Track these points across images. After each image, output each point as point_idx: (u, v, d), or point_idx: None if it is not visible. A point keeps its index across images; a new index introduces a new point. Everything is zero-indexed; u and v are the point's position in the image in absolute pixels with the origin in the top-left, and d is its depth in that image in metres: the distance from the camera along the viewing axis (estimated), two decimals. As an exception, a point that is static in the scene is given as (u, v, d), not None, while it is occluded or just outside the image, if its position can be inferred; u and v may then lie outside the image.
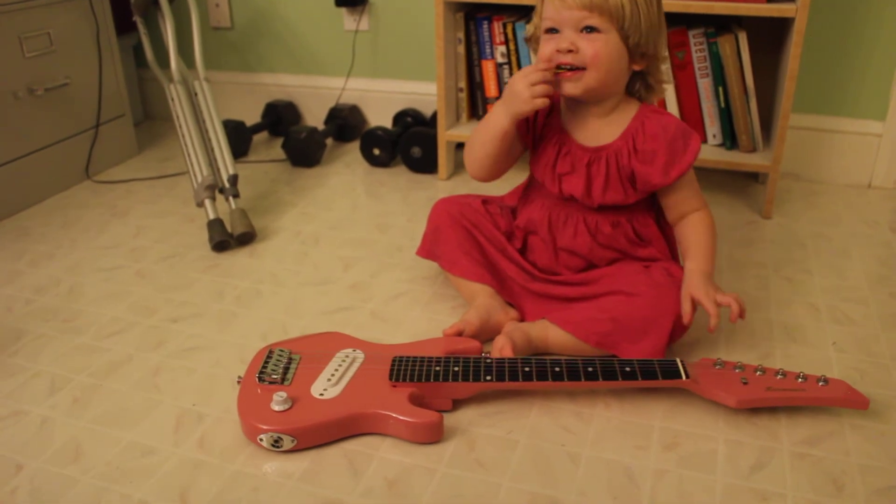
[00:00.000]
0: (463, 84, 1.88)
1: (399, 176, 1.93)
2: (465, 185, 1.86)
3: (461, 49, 1.84)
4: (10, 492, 0.94)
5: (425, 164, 1.92)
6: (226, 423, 1.05)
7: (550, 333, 1.16)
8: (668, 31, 1.64)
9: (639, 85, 1.20)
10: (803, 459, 0.97)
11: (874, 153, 1.81)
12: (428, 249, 1.36)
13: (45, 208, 1.78)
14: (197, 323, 1.30)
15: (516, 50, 1.80)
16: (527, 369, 1.06)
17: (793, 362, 1.17)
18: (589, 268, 1.24)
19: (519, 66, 1.81)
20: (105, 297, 1.38)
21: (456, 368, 1.06)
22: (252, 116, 2.25)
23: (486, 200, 1.35)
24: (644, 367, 1.06)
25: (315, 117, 2.24)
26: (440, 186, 1.87)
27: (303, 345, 1.14)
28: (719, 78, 1.66)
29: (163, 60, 1.84)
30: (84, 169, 1.94)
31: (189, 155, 1.66)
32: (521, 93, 1.12)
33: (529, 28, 1.22)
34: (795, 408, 1.06)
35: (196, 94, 1.75)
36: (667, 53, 1.64)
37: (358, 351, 1.12)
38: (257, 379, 1.06)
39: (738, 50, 1.63)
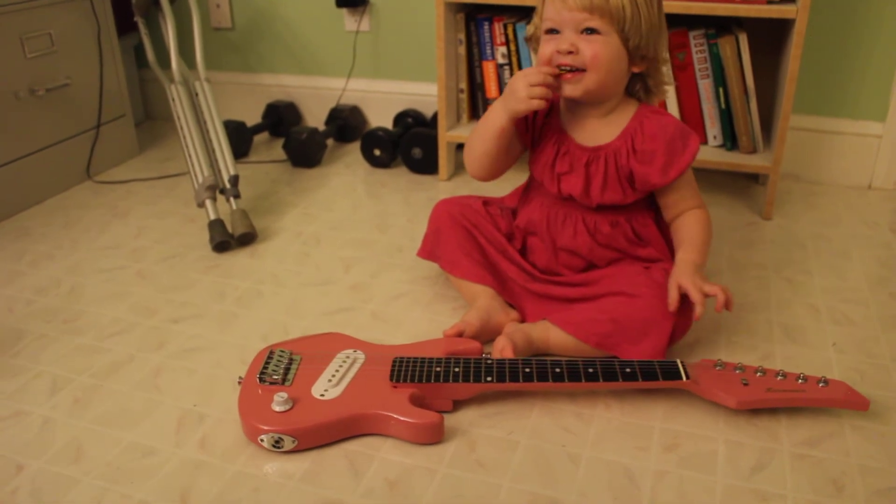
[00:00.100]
0: (464, 85, 1.89)
1: (400, 177, 1.94)
2: (466, 186, 1.86)
3: (462, 50, 1.85)
4: (11, 492, 0.94)
5: (426, 165, 1.93)
6: (227, 424, 1.05)
7: (551, 334, 1.16)
8: (669, 32, 1.64)
9: (638, 87, 1.21)
10: (803, 460, 0.98)
11: (874, 154, 1.81)
12: (429, 251, 1.36)
13: (45, 209, 1.78)
14: (198, 323, 1.30)
15: (517, 51, 1.80)
16: (527, 370, 1.06)
17: (793, 363, 1.17)
18: (589, 268, 1.24)
19: (520, 67, 1.81)
20: (106, 297, 1.38)
21: (457, 369, 1.06)
22: (253, 117, 2.25)
23: (486, 202, 1.35)
24: (644, 367, 1.06)
25: (316, 118, 2.25)
26: (441, 187, 1.87)
27: (303, 345, 1.14)
28: (720, 79, 1.67)
29: (164, 61, 1.84)
30: (85, 169, 1.94)
31: (190, 155, 1.66)
32: (518, 92, 1.13)
33: (530, 28, 1.22)
34: (796, 409, 1.06)
35: (197, 95, 1.75)
36: (667, 56, 1.64)
37: (359, 352, 1.12)
38: (258, 379, 1.06)
39: (739, 51, 1.64)
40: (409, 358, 1.08)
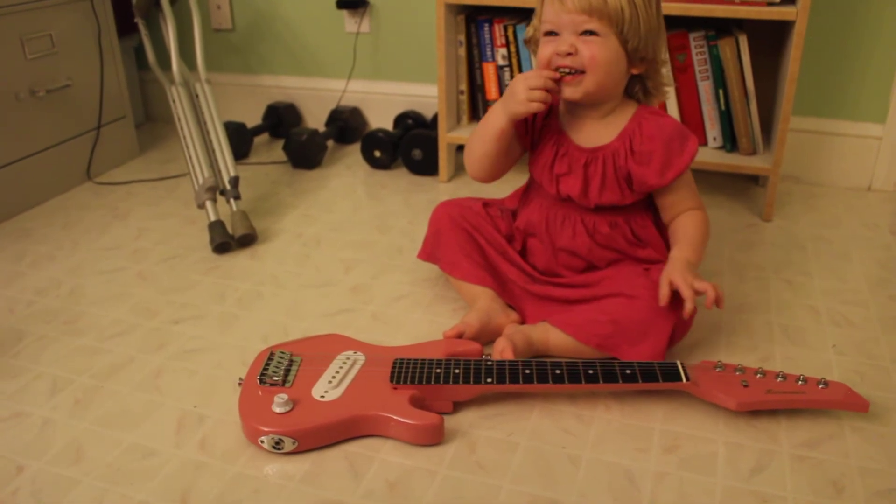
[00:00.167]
0: (464, 86, 1.89)
1: (400, 178, 1.94)
2: (466, 188, 1.86)
3: (462, 51, 1.85)
4: (12, 493, 0.94)
5: (426, 167, 1.93)
6: (227, 425, 1.05)
7: (551, 336, 1.16)
8: (669, 33, 1.64)
9: (638, 88, 1.21)
10: (803, 462, 0.98)
11: (874, 156, 1.81)
12: (429, 253, 1.36)
13: (46, 210, 1.78)
14: (198, 325, 1.30)
15: (517, 52, 1.80)
16: (527, 372, 1.06)
17: (793, 365, 1.17)
18: (589, 269, 1.24)
19: (520, 69, 1.82)
20: (106, 298, 1.39)
21: (457, 371, 1.06)
22: (253, 118, 2.26)
23: (486, 203, 1.35)
24: (644, 369, 1.06)
25: (316, 119, 2.25)
26: (441, 189, 1.87)
27: (304, 347, 1.14)
28: (720, 80, 1.67)
29: (164, 62, 1.84)
30: (85, 170, 1.94)
31: (190, 157, 1.66)
32: (518, 94, 1.13)
33: (529, 30, 1.22)
34: (795, 410, 1.06)
35: (197, 96, 1.75)
36: (667, 57, 1.64)
37: (359, 353, 1.12)
38: (258, 381, 1.06)
39: (739, 53, 1.64)
40: (410, 359, 1.09)
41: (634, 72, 1.17)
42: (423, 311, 1.33)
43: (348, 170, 2.00)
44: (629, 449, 1.00)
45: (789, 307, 1.33)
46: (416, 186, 1.88)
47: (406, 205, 1.78)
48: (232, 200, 1.63)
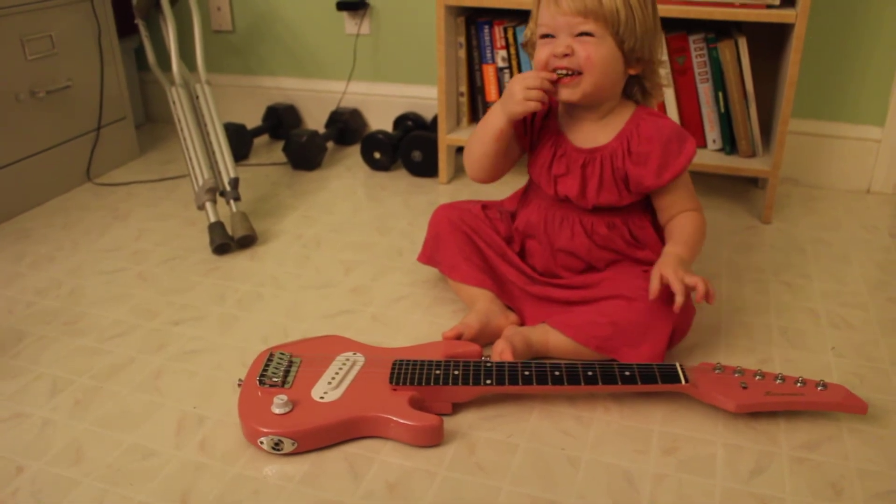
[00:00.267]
0: (464, 88, 1.89)
1: (400, 180, 1.94)
2: (466, 189, 1.86)
3: (462, 53, 1.85)
4: (12, 493, 0.94)
5: (426, 168, 1.93)
6: (227, 426, 1.05)
7: (550, 337, 1.16)
8: (669, 36, 1.65)
9: (636, 89, 1.21)
10: (802, 464, 0.98)
11: (873, 158, 1.81)
12: (428, 256, 1.36)
13: (46, 210, 1.78)
14: (198, 326, 1.30)
15: (517, 54, 1.80)
16: (527, 373, 1.06)
17: (792, 367, 1.17)
18: (588, 270, 1.25)
19: (520, 71, 1.82)
20: (106, 299, 1.39)
21: (456, 372, 1.06)
22: (253, 119, 2.26)
23: (485, 206, 1.35)
24: (643, 371, 1.06)
25: (316, 121, 2.25)
26: (441, 190, 1.87)
27: (303, 348, 1.14)
28: (719, 83, 1.67)
29: (164, 63, 1.85)
30: (85, 171, 1.94)
31: (190, 158, 1.67)
32: (515, 94, 1.14)
33: (526, 33, 1.23)
34: (794, 412, 1.06)
35: (197, 97, 1.75)
36: (665, 58, 1.65)
37: (358, 354, 1.12)
38: (258, 382, 1.06)
39: (738, 55, 1.64)
40: (409, 361, 1.09)
41: (631, 72, 1.17)
42: (423, 313, 1.33)
43: (348, 171, 2.00)
44: (628, 450, 1.00)
45: (788, 309, 1.33)
46: (415, 188, 1.88)
47: (406, 206, 1.78)
48: (232, 202, 1.63)
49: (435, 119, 2.05)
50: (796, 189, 1.86)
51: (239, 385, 1.08)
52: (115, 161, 2.04)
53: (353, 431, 1.02)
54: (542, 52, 1.15)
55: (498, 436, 1.03)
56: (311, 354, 1.12)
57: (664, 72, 1.64)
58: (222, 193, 1.65)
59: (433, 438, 1.01)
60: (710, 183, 1.87)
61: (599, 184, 1.19)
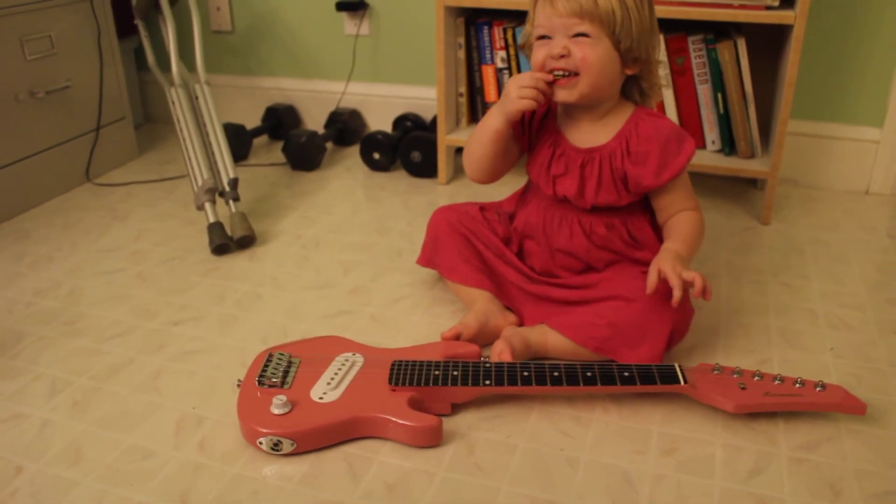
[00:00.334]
0: (463, 89, 1.89)
1: (399, 180, 1.94)
2: (465, 189, 1.87)
3: (461, 54, 1.85)
4: (11, 494, 0.94)
5: (425, 169, 1.93)
6: (226, 427, 1.05)
7: (549, 338, 1.16)
8: (668, 37, 1.65)
9: (634, 89, 1.21)
10: (801, 464, 0.98)
11: (872, 159, 1.81)
12: (428, 258, 1.36)
13: (45, 211, 1.78)
14: (197, 326, 1.30)
15: (516, 55, 1.80)
16: (525, 374, 1.06)
17: (790, 368, 1.17)
18: (587, 270, 1.25)
19: (519, 71, 1.82)
20: (106, 300, 1.39)
21: (455, 373, 1.06)
22: (252, 120, 2.26)
23: (483, 207, 1.36)
24: (642, 372, 1.06)
25: (315, 121, 2.25)
26: (440, 191, 1.87)
27: (302, 348, 1.14)
28: (718, 84, 1.67)
29: (164, 63, 1.85)
30: (85, 171, 1.94)
31: (189, 158, 1.67)
32: (510, 93, 1.15)
33: (522, 35, 1.23)
34: (793, 413, 1.06)
35: (197, 98, 1.76)
36: (663, 58, 1.65)
37: (357, 355, 1.12)
38: (257, 382, 1.06)
39: (737, 56, 1.64)
40: (408, 361, 1.09)
41: (629, 72, 1.17)
42: (422, 313, 1.33)
43: (347, 172, 2.00)
44: (627, 451, 1.00)
45: (787, 310, 1.34)
46: (415, 188, 1.89)
47: (405, 207, 1.78)
48: (231, 202, 1.63)
49: (434, 120, 2.05)
50: (795, 190, 1.86)
51: (238, 385, 1.08)
52: (115, 161, 2.04)
53: (353, 432, 1.02)
54: (539, 53, 1.15)
55: (497, 436, 1.03)
56: (311, 355, 1.12)
57: (662, 72, 1.64)
58: (221, 194, 1.65)
59: (432, 439, 1.01)
60: (709, 184, 1.87)
61: (598, 184, 1.19)
